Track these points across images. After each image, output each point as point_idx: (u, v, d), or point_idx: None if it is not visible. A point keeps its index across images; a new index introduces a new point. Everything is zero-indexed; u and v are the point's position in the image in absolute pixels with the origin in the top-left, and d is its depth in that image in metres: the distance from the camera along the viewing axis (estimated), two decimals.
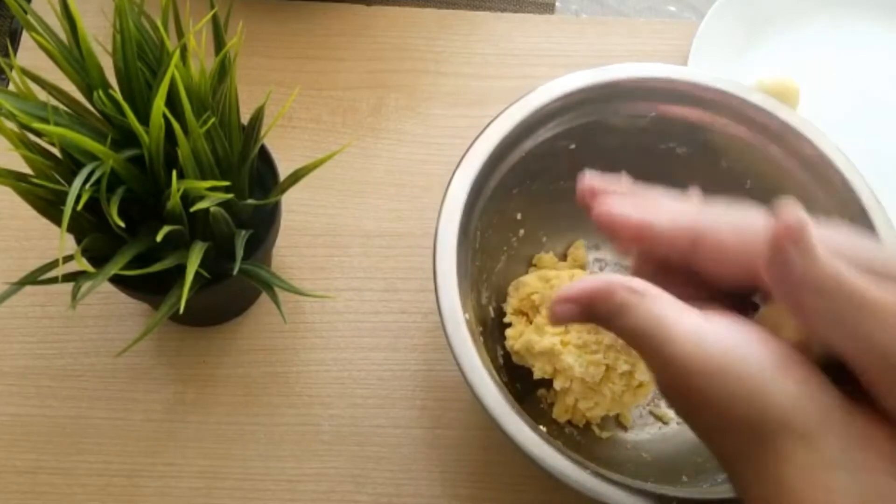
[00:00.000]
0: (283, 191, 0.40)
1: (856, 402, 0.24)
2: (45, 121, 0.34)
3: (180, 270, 0.35)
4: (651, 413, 0.45)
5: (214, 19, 0.38)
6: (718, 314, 0.26)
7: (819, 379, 0.24)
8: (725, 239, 0.27)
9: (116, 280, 0.39)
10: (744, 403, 0.23)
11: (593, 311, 0.26)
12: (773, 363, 0.24)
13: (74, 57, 0.35)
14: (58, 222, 0.35)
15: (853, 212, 0.40)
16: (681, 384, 0.25)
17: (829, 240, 0.24)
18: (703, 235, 0.27)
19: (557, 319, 0.27)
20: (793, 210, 0.23)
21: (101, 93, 0.35)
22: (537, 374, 0.42)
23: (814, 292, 0.23)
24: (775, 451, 0.23)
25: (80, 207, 0.32)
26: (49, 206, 0.36)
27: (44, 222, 0.37)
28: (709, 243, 0.27)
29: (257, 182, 0.43)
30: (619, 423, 0.45)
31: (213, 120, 0.35)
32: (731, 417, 0.24)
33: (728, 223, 0.27)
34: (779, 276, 0.24)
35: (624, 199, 0.29)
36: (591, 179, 0.30)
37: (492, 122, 0.41)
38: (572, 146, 0.44)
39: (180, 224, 0.36)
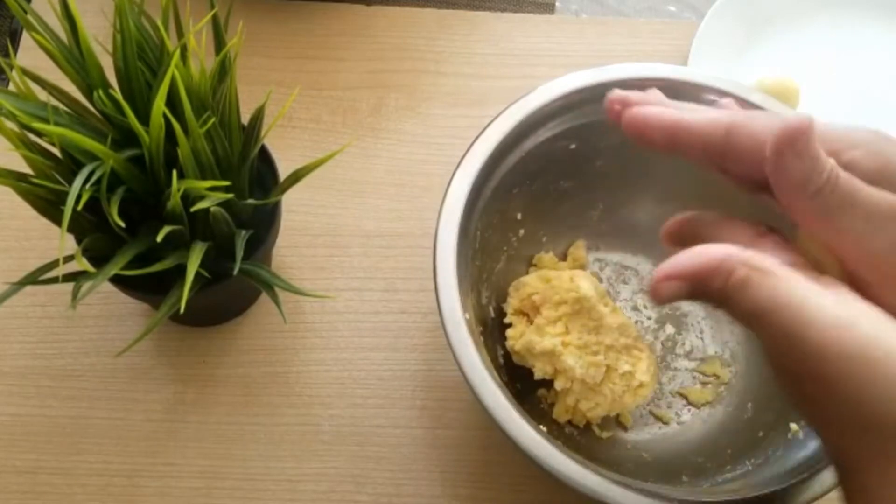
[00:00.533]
0: (283, 191, 0.40)
1: None
2: (45, 121, 0.34)
3: (180, 270, 0.35)
4: (651, 413, 0.45)
5: (214, 19, 0.38)
6: (850, 295, 0.24)
7: None
8: (759, 131, 0.25)
9: (116, 280, 0.39)
10: (888, 400, 0.22)
11: (705, 289, 0.24)
12: None
13: (74, 57, 0.35)
14: (58, 222, 0.35)
15: None
16: (813, 370, 0.23)
17: (833, 140, 0.24)
18: (737, 126, 0.26)
19: (661, 298, 0.25)
20: (799, 115, 0.23)
21: (101, 93, 0.35)
22: (538, 375, 0.42)
23: (810, 195, 0.23)
24: None
25: (80, 207, 0.32)
26: (49, 206, 0.36)
27: (44, 222, 0.37)
28: (743, 134, 0.26)
29: (257, 182, 0.43)
30: (619, 423, 0.45)
31: (213, 120, 0.35)
32: (869, 414, 0.22)
33: (761, 117, 0.26)
34: (779, 179, 0.24)
35: (654, 105, 0.28)
36: (620, 92, 0.29)
37: (492, 122, 0.41)
38: (572, 146, 0.44)
39: (180, 224, 0.36)
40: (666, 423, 0.45)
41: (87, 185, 0.32)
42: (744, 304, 0.24)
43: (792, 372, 0.24)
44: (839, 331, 0.22)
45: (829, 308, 0.23)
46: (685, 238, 0.29)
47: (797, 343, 0.23)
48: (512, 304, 0.44)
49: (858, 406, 0.22)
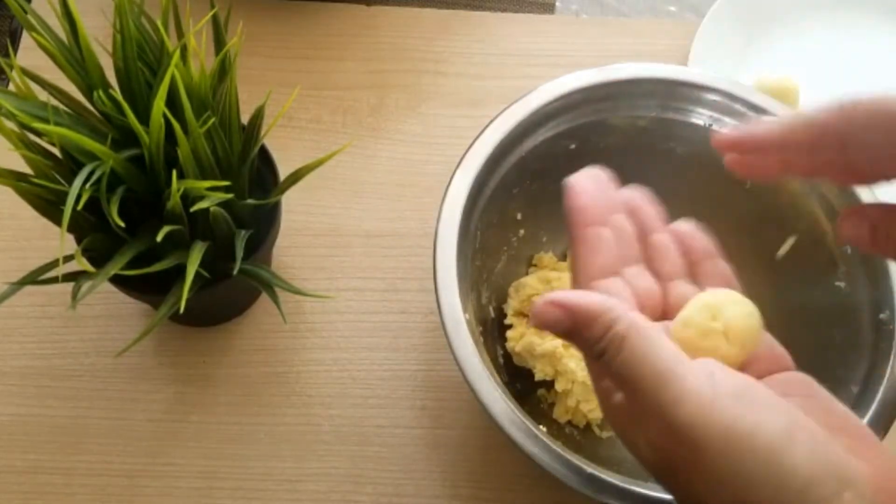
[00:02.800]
0: (283, 191, 0.40)
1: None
2: (45, 121, 0.34)
3: (180, 270, 0.35)
4: None
5: (214, 19, 0.38)
6: (720, 369, 0.24)
7: (820, 434, 0.23)
8: (881, 100, 0.23)
9: (116, 280, 0.39)
10: (757, 482, 0.22)
11: (578, 331, 0.24)
12: (784, 427, 0.22)
13: (74, 57, 0.35)
14: (58, 222, 0.35)
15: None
16: (684, 453, 0.22)
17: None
18: (852, 103, 0.24)
19: (537, 321, 0.25)
20: None
21: (101, 93, 0.35)
22: (538, 376, 0.42)
23: None
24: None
25: (80, 207, 0.32)
26: (49, 206, 0.36)
27: (44, 222, 0.37)
28: (862, 107, 0.24)
29: (257, 182, 0.43)
30: None
31: (213, 120, 0.35)
32: (739, 493, 0.22)
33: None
34: None
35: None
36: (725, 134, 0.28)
37: (492, 122, 0.41)
38: (572, 146, 0.44)
39: (180, 224, 0.36)
40: None
41: (87, 185, 0.32)
42: (616, 361, 0.23)
43: (667, 451, 0.23)
44: (707, 408, 0.22)
45: (695, 380, 0.23)
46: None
47: (668, 420, 0.22)
48: (512, 305, 0.44)
49: (729, 486, 0.22)
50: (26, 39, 0.55)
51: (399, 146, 0.52)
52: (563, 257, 0.48)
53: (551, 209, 0.46)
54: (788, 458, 0.22)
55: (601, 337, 0.24)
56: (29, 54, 0.53)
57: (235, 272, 0.36)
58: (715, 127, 0.43)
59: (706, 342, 0.26)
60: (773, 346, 0.28)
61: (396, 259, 0.49)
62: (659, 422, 0.23)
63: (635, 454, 0.26)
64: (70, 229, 0.37)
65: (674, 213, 0.32)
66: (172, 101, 0.34)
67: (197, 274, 0.35)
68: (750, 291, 0.29)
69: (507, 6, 0.58)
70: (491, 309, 0.45)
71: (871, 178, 0.25)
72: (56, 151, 0.35)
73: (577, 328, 0.24)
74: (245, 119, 0.39)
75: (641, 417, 0.24)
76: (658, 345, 0.23)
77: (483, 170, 0.40)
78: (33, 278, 0.36)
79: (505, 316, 0.44)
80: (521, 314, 0.44)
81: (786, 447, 0.22)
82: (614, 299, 0.24)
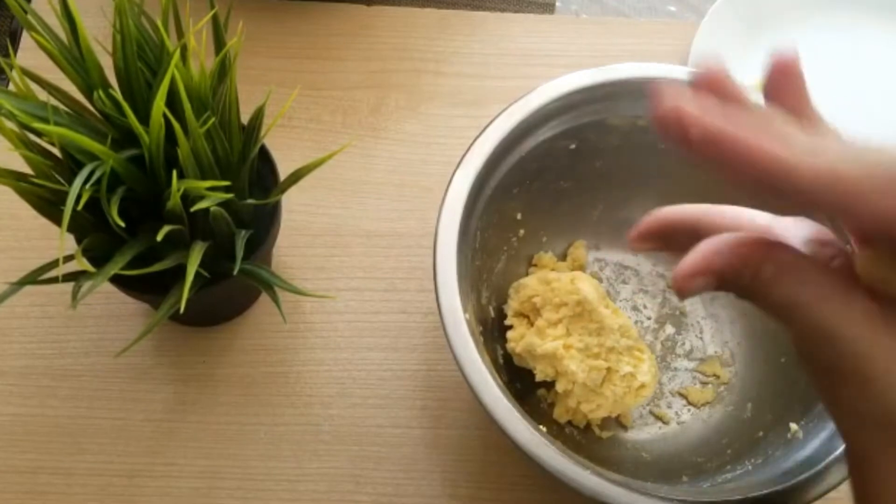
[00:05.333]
0: (283, 191, 0.40)
1: None
2: (45, 121, 0.33)
3: (180, 270, 0.35)
4: (651, 413, 0.45)
5: (214, 19, 0.38)
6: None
7: None
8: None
9: (116, 280, 0.39)
10: None
11: (735, 283, 0.23)
12: None
13: (74, 57, 0.35)
14: (58, 222, 0.35)
15: None
16: (843, 367, 0.22)
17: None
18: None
19: (686, 294, 0.24)
20: None
21: (101, 93, 0.35)
22: (539, 377, 0.42)
23: None
24: None
25: (80, 207, 0.32)
26: (49, 206, 0.36)
27: (44, 222, 0.37)
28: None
29: (257, 182, 0.43)
30: (619, 422, 0.45)
31: (213, 120, 0.35)
32: (887, 408, 0.21)
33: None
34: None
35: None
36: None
37: (492, 122, 0.41)
38: (572, 146, 0.44)
39: (180, 224, 0.36)
40: (666, 423, 0.45)
41: (87, 185, 0.32)
42: (771, 299, 0.23)
43: (820, 365, 0.23)
44: (872, 331, 0.22)
45: (859, 308, 0.22)
46: (669, 238, 0.28)
47: (828, 341, 0.22)
48: (512, 305, 0.44)
49: (885, 405, 0.22)
50: (26, 39, 0.55)
51: (399, 146, 0.52)
52: (563, 257, 0.48)
53: (551, 209, 0.47)
54: None
55: (750, 284, 0.23)
56: (29, 54, 0.53)
57: (235, 272, 0.36)
58: None
59: None
60: None
61: (396, 259, 0.49)
62: (820, 346, 0.23)
63: None
64: (70, 229, 0.37)
65: None
66: (172, 101, 0.34)
67: (197, 274, 0.35)
68: None
69: (507, 6, 0.58)
70: (491, 309, 0.45)
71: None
72: (56, 151, 0.35)
73: (723, 285, 0.24)
74: (245, 119, 0.39)
75: None
76: (809, 273, 0.23)
77: (483, 170, 0.40)
78: (33, 278, 0.36)
79: (505, 316, 0.44)
80: (521, 315, 0.44)
81: None
82: (753, 239, 0.23)
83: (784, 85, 0.24)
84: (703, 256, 0.23)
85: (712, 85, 0.23)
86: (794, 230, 0.26)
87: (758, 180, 0.21)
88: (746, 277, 0.23)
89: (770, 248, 0.23)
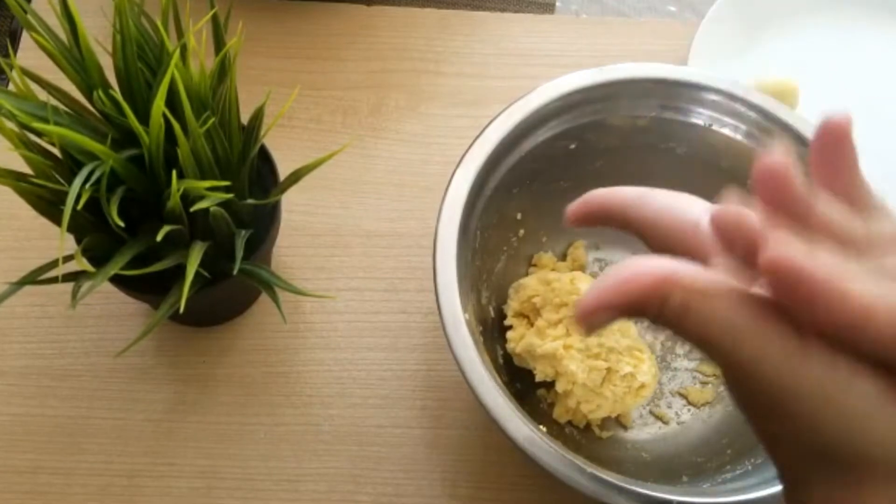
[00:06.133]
0: (283, 191, 0.40)
1: None
2: (45, 121, 0.34)
3: (180, 270, 0.35)
4: (651, 413, 0.45)
5: (214, 19, 0.38)
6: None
7: None
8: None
9: (116, 280, 0.39)
10: (836, 433, 0.20)
11: (643, 314, 0.22)
12: (875, 392, 0.20)
13: (74, 57, 0.35)
14: (58, 222, 0.35)
15: None
16: (766, 402, 0.21)
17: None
18: None
19: (591, 329, 0.22)
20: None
21: (101, 93, 0.35)
22: (539, 377, 0.42)
23: None
24: (859, 485, 0.20)
25: (80, 207, 0.32)
26: (49, 206, 0.36)
27: (44, 222, 0.37)
28: None
29: (257, 182, 0.43)
30: (619, 422, 0.45)
31: (213, 120, 0.35)
32: (823, 448, 0.20)
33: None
34: None
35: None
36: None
37: (492, 121, 0.41)
38: (572, 146, 0.44)
39: (180, 224, 0.36)
40: (666, 423, 0.45)
41: (87, 185, 0.32)
42: (684, 331, 0.21)
43: (746, 398, 0.22)
44: (794, 364, 0.20)
45: (778, 338, 0.20)
46: (600, 219, 0.27)
47: (749, 376, 0.21)
48: (512, 306, 0.44)
49: (812, 442, 0.21)
50: (26, 39, 0.55)
51: (399, 146, 0.52)
52: (563, 257, 0.48)
53: (551, 209, 0.46)
54: (874, 425, 0.20)
55: (659, 314, 0.21)
56: (29, 54, 0.53)
57: (235, 272, 0.36)
58: (715, 127, 0.43)
59: None
60: None
61: (396, 259, 0.49)
62: (733, 369, 0.21)
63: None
64: (70, 229, 0.37)
65: None
66: (172, 101, 0.34)
67: (197, 274, 0.35)
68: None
69: (507, 6, 0.58)
70: (491, 309, 0.45)
71: None
72: (56, 151, 0.35)
73: (634, 313, 0.22)
74: (245, 119, 0.39)
75: None
76: (720, 300, 0.21)
77: (483, 170, 0.40)
78: (33, 278, 0.36)
79: (505, 316, 0.44)
80: (521, 315, 0.44)
81: (875, 413, 0.20)
82: (661, 267, 0.21)
83: (834, 160, 0.22)
84: (604, 290, 0.22)
85: (776, 191, 0.21)
86: None
87: (827, 322, 0.19)
88: (653, 309, 0.21)
89: (676, 276, 0.21)
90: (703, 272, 0.21)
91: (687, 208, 0.25)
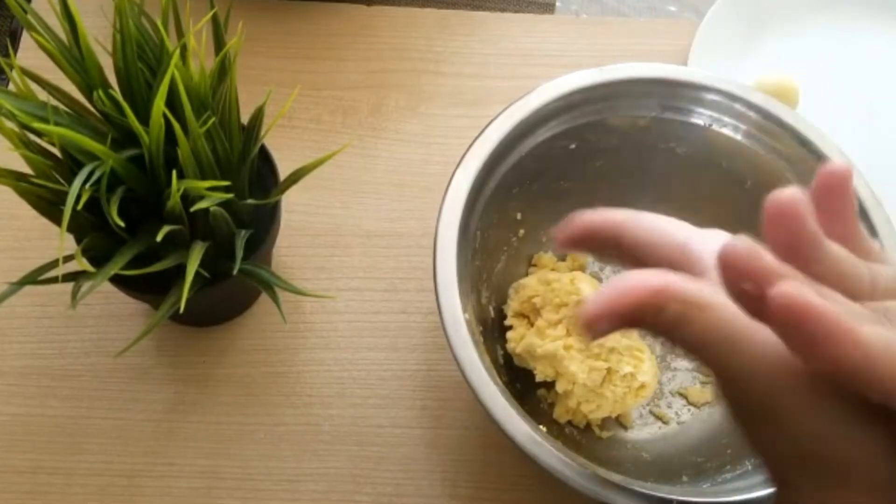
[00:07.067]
0: (283, 191, 0.40)
1: None
2: (45, 121, 0.34)
3: (180, 270, 0.35)
4: (651, 413, 0.45)
5: (214, 19, 0.38)
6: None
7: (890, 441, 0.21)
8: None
9: (116, 280, 0.39)
10: (833, 439, 0.21)
11: (640, 324, 0.22)
12: (857, 409, 0.21)
13: (74, 57, 0.35)
14: (58, 222, 0.35)
15: None
16: (757, 406, 0.22)
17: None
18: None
19: (594, 336, 0.23)
20: None
21: (101, 93, 0.35)
22: (539, 378, 0.42)
23: None
24: (844, 488, 0.21)
25: (80, 207, 0.32)
26: (49, 205, 0.36)
27: (44, 222, 0.37)
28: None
29: (257, 182, 0.43)
30: (619, 422, 0.45)
31: (213, 120, 0.35)
32: (811, 452, 0.21)
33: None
34: None
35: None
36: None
37: (492, 121, 0.41)
38: (572, 146, 0.44)
39: (180, 224, 0.36)
40: (666, 423, 0.45)
41: (87, 185, 0.32)
42: (679, 340, 0.22)
43: (737, 404, 0.23)
44: (783, 372, 0.21)
45: (762, 340, 0.21)
46: (593, 243, 0.28)
47: (740, 383, 0.21)
48: (512, 306, 0.44)
49: (803, 445, 0.21)
50: (26, 39, 0.55)
51: (399, 146, 0.52)
52: (563, 257, 0.48)
53: (551, 209, 0.46)
54: (852, 436, 0.21)
55: (656, 324, 0.22)
56: (29, 54, 0.53)
57: (235, 272, 0.36)
58: (715, 127, 0.43)
59: None
60: None
61: (396, 259, 0.49)
62: (726, 376, 0.22)
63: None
64: (70, 229, 0.37)
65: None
66: (172, 101, 0.34)
67: (197, 274, 0.35)
68: None
69: (507, 6, 0.58)
70: (491, 309, 0.45)
71: None
72: (56, 151, 0.35)
73: (633, 324, 0.22)
74: (245, 119, 0.39)
75: None
76: (714, 310, 0.22)
77: (483, 170, 0.40)
78: (33, 278, 0.36)
79: (505, 316, 0.44)
80: (521, 315, 0.44)
81: (854, 426, 0.21)
82: (658, 279, 0.22)
83: (834, 207, 0.23)
84: (606, 299, 0.22)
85: (789, 230, 0.21)
86: (712, 245, 0.25)
87: (829, 362, 0.20)
88: (650, 318, 0.22)
89: (673, 287, 0.22)
90: (700, 285, 0.22)
91: (675, 231, 0.26)
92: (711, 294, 0.22)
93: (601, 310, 0.22)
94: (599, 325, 0.22)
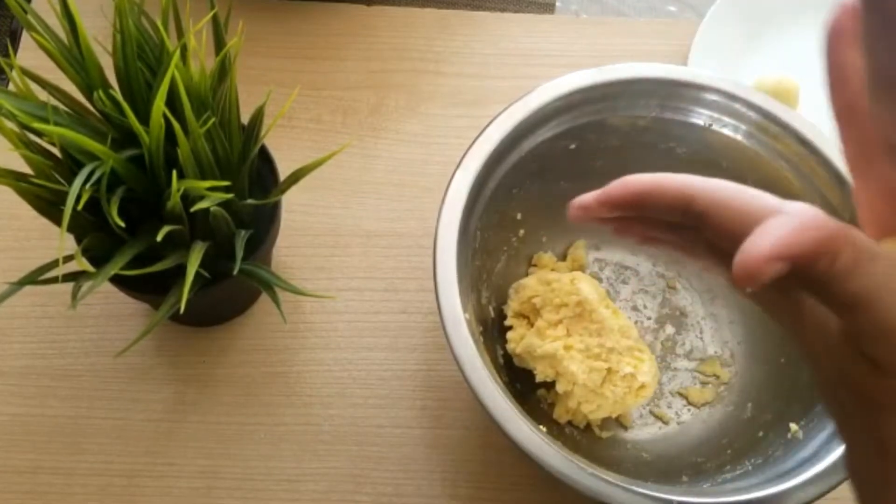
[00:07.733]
0: (283, 191, 0.40)
1: None
2: (45, 121, 0.34)
3: (180, 270, 0.35)
4: (651, 413, 0.45)
5: (214, 19, 0.38)
6: None
7: None
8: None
9: (116, 280, 0.39)
10: None
11: (808, 270, 0.20)
12: None
13: (74, 57, 0.35)
14: (58, 222, 0.35)
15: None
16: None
17: None
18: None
19: (758, 282, 0.20)
20: None
21: (101, 93, 0.35)
22: (539, 378, 0.42)
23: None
24: None
25: (80, 207, 0.32)
26: (49, 206, 0.36)
27: (44, 222, 0.37)
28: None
29: (257, 182, 0.43)
30: (619, 423, 0.45)
31: (213, 120, 0.35)
32: None
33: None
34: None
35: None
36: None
37: (492, 121, 0.41)
38: (572, 146, 0.44)
39: (180, 224, 0.36)
40: (666, 423, 0.45)
41: (87, 185, 0.32)
42: (845, 289, 0.20)
43: (874, 365, 0.21)
44: None
45: None
46: (638, 207, 0.26)
47: (888, 337, 0.20)
48: (512, 306, 0.44)
49: None
50: (26, 39, 0.55)
51: (399, 146, 0.52)
52: (563, 257, 0.48)
53: (551, 209, 0.46)
54: None
55: (827, 270, 0.21)
56: (29, 54, 0.53)
57: (235, 272, 0.36)
58: (715, 127, 0.43)
59: None
60: None
61: (396, 259, 0.49)
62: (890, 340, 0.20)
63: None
64: (70, 229, 0.37)
65: None
66: (172, 101, 0.34)
67: (197, 274, 0.35)
68: None
69: (507, 6, 0.58)
70: (491, 309, 0.45)
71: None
72: (56, 151, 0.35)
73: (800, 271, 0.21)
74: (245, 119, 0.39)
75: None
76: (885, 261, 0.21)
77: (483, 170, 0.40)
78: (33, 278, 0.36)
79: (505, 316, 0.44)
80: (521, 315, 0.44)
81: None
82: (827, 224, 0.21)
83: None
84: (782, 238, 0.20)
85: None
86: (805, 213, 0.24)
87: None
88: (823, 265, 0.20)
89: (846, 231, 0.20)
90: (861, 235, 0.21)
91: (762, 195, 0.24)
92: (876, 245, 0.21)
93: (774, 250, 0.20)
94: (768, 267, 0.20)
